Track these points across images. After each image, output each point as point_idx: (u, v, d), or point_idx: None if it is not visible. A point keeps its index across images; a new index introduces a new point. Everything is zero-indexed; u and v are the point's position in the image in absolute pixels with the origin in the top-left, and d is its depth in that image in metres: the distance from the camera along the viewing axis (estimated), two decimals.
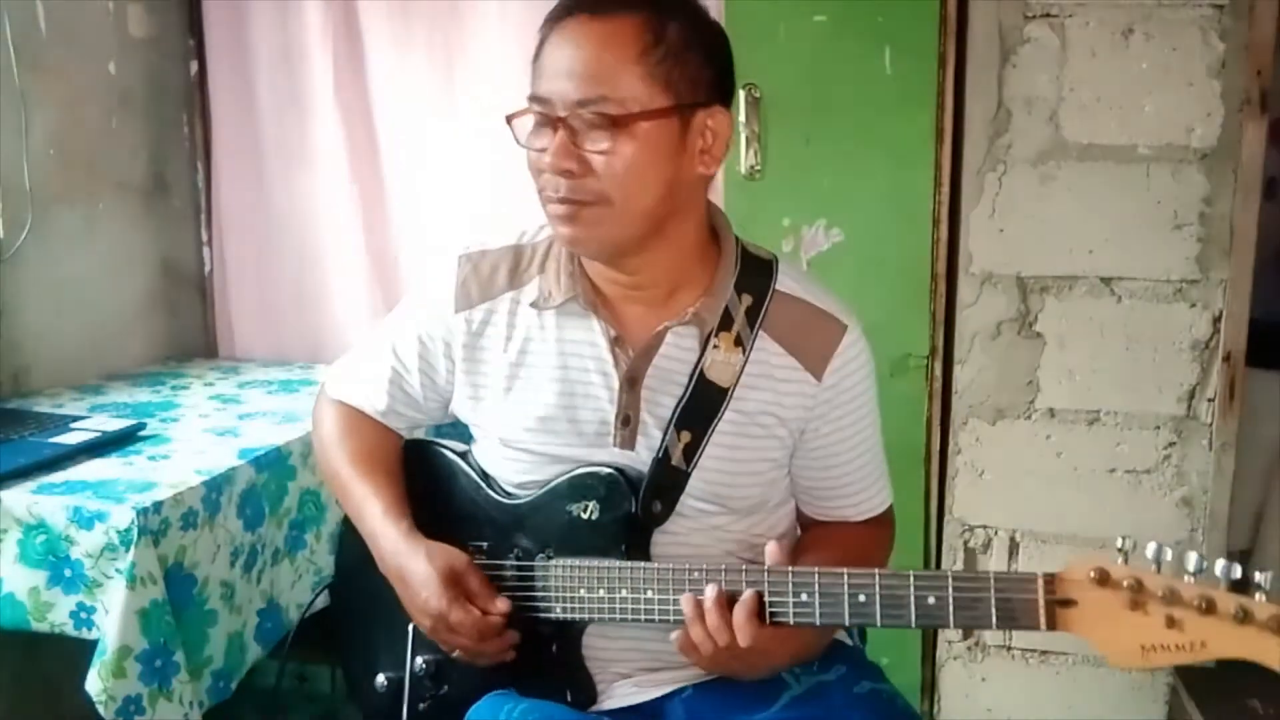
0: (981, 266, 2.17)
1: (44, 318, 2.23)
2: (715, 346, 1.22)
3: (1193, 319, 2.10)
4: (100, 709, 1.54)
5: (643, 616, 1.18)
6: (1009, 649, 2.29)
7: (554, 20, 1.16)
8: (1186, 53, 2.02)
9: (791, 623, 1.12)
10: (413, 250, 2.53)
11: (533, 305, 1.26)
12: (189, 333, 2.65)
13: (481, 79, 2.40)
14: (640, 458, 1.24)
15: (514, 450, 1.29)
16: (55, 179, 2.24)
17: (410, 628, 1.31)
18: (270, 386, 2.31)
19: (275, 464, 1.87)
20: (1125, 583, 0.96)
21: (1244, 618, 0.91)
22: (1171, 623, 0.94)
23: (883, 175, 2.17)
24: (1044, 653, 2.27)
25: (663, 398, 1.24)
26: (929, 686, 2.34)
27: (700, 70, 1.16)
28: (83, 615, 1.60)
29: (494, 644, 1.23)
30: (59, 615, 1.61)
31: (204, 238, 2.64)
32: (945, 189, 2.17)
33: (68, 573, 1.60)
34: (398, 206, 2.53)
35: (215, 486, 1.72)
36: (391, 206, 2.53)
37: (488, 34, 2.38)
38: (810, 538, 1.35)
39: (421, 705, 1.32)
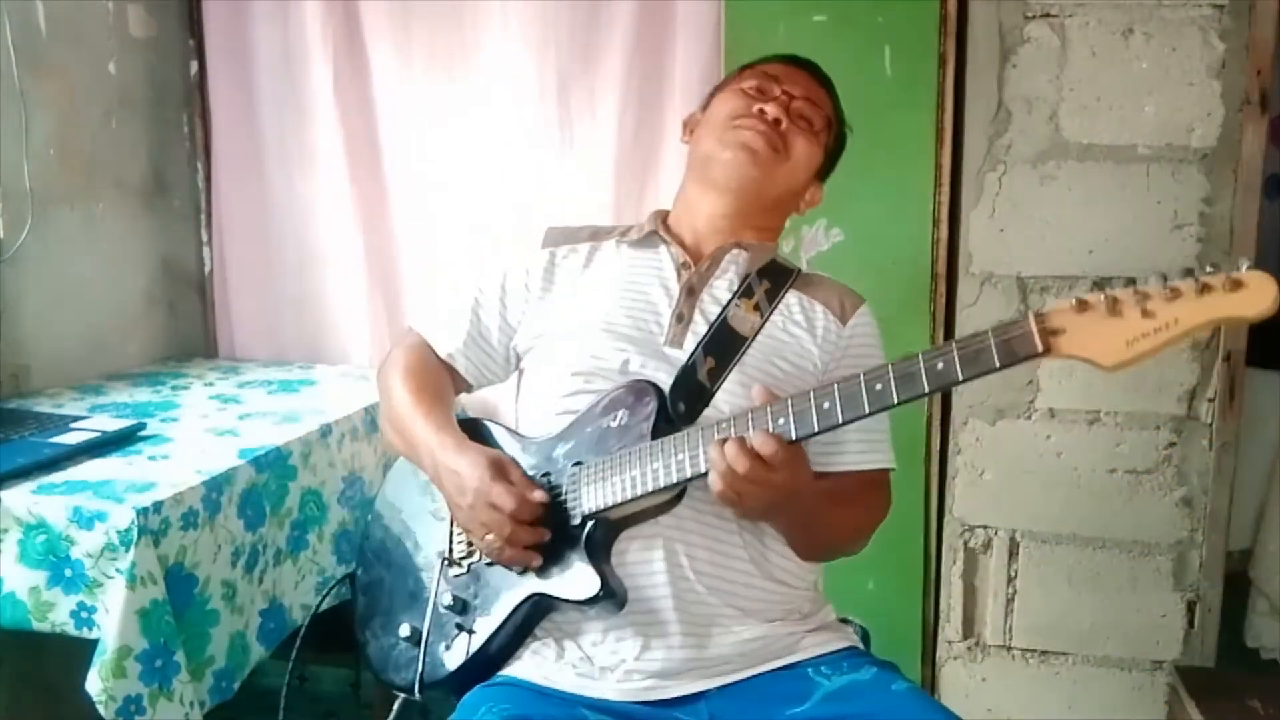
0: (981, 266, 2.17)
1: (44, 318, 2.23)
2: (737, 305, 1.42)
3: None
4: (100, 709, 1.54)
5: (675, 477, 1.25)
6: (1009, 649, 2.29)
7: (781, 60, 1.53)
8: (1186, 53, 2.02)
9: (817, 428, 1.19)
10: (413, 250, 2.53)
11: (615, 244, 1.50)
12: (189, 333, 2.65)
13: (482, 79, 2.40)
14: (686, 354, 1.38)
15: (573, 337, 1.41)
16: (55, 179, 2.24)
17: (437, 557, 1.38)
18: (270, 386, 2.31)
19: (275, 464, 1.87)
20: (1101, 301, 1.07)
21: (1203, 290, 1.02)
22: (1145, 314, 1.04)
23: (883, 175, 2.17)
24: (1044, 653, 2.27)
25: (714, 308, 1.42)
26: (929, 686, 2.33)
27: (834, 158, 1.56)
28: (83, 615, 1.59)
29: (526, 531, 1.28)
30: (59, 615, 1.60)
31: (204, 238, 2.64)
32: (945, 189, 2.17)
33: (68, 572, 1.60)
34: (398, 207, 2.53)
35: (215, 486, 1.71)
36: (391, 207, 2.53)
37: (489, 34, 2.38)
38: None
39: (444, 647, 1.35)
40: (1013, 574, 2.26)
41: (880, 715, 1.25)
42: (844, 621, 1.47)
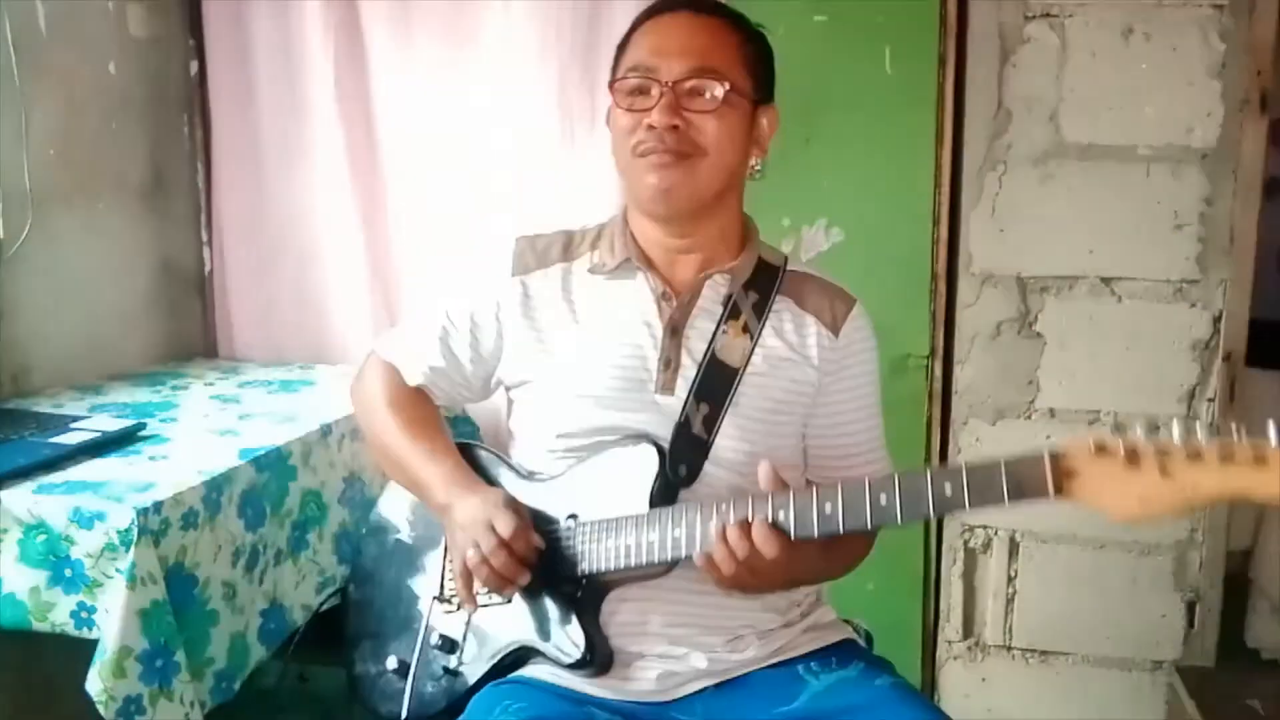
0: (981, 266, 2.17)
1: (44, 318, 2.22)
2: (724, 332, 1.34)
3: (1193, 319, 2.10)
4: (100, 709, 1.53)
5: (670, 554, 1.23)
6: (1009, 649, 2.29)
7: (655, 13, 1.36)
8: (1186, 53, 2.03)
9: (816, 534, 1.17)
10: (412, 250, 2.53)
11: (590, 271, 1.39)
12: (189, 333, 2.64)
13: (483, 79, 2.40)
14: (679, 400, 1.32)
15: (557, 399, 1.35)
16: (55, 179, 2.24)
17: (430, 598, 1.36)
18: (270, 386, 2.31)
19: (275, 464, 1.87)
20: (1121, 448, 1.04)
21: (1227, 458, 1.01)
22: (1165, 473, 1.02)
23: (883, 175, 2.17)
24: (1044, 653, 2.27)
25: (700, 344, 1.34)
26: (929, 686, 2.34)
27: (764, 71, 1.37)
28: (83, 615, 1.59)
29: (512, 562, 1.25)
30: (59, 615, 1.60)
31: (204, 238, 2.64)
32: (945, 189, 2.17)
33: (68, 572, 1.59)
34: (398, 207, 2.53)
35: (215, 486, 1.71)
36: (391, 207, 2.53)
37: (489, 34, 2.38)
38: None
39: (430, 685, 1.34)
40: (1013, 574, 2.26)
41: (861, 710, 1.26)
42: (846, 622, 1.47)
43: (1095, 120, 2.08)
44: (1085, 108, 2.08)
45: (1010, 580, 2.26)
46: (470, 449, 1.45)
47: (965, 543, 2.26)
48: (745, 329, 1.35)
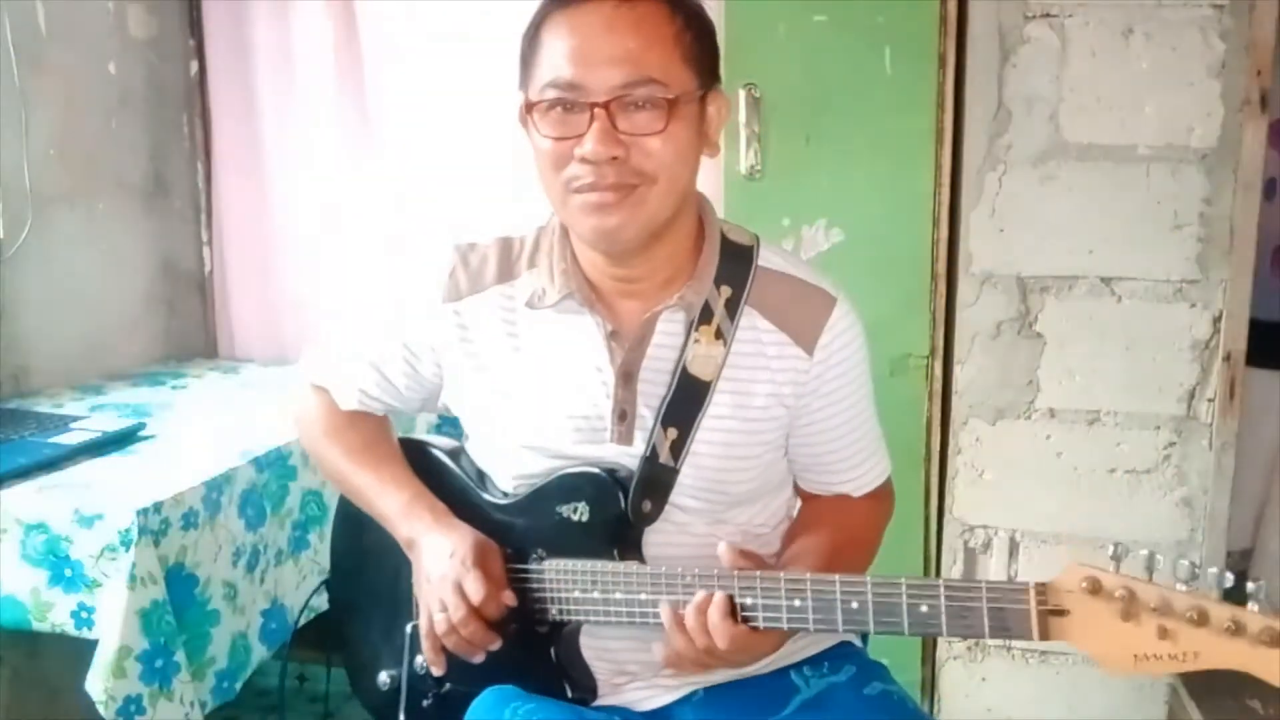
0: (981, 266, 2.17)
1: (44, 318, 2.23)
2: (696, 341, 1.21)
3: (1193, 319, 2.10)
4: (100, 709, 1.54)
5: (636, 619, 1.17)
6: (1009, 649, 2.29)
7: (563, 5, 1.12)
8: (1186, 53, 2.02)
9: (785, 628, 1.11)
10: (413, 250, 2.53)
11: (527, 305, 1.24)
12: (189, 333, 2.65)
13: (482, 79, 2.40)
14: (637, 451, 1.22)
15: (508, 446, 1.27)
16: (55, 179, 2.24)
17: (409, 627, 1.31)
18: (270, 387, 2.31)
19: (276, 464, 1.87)
20: (1117, 592, 0.96)
21: (1236, 630, 0.91)
22: (1164, 634, 0.94)
23: (883, 175, 2.17)
24: (1044, 653, 2.27)
25: (658, 389, 1.22)
26: (929, 686, 2.34)
27: (707, 54, 1.17)
28: (83, 615, 1.60)
29: (481, 630, 1.19)
30: (59, 615, 1.61)
31: (204, 238, 2.64)
32: (945, 189, 2.17)
33: (68, 572, 1.60)
34: (398, 206, 2.53)
35: (215, 486, 1.72)
36: (391, 206, 2.53)
37: (489, 34, 2.38)
38: (806, 515, 1.35)
39: (425, 702, 1.32)
40: (1013, 574, 2.25)
41: None
42: None
43: (1095, 120, 2.08)
44: (1085, 108, 2.08)
45: (1010, 580, 2.26)
46: (431, 455, 1.37)
47: (965, 543, 2.26)
48: (719, 334, 1.21)
